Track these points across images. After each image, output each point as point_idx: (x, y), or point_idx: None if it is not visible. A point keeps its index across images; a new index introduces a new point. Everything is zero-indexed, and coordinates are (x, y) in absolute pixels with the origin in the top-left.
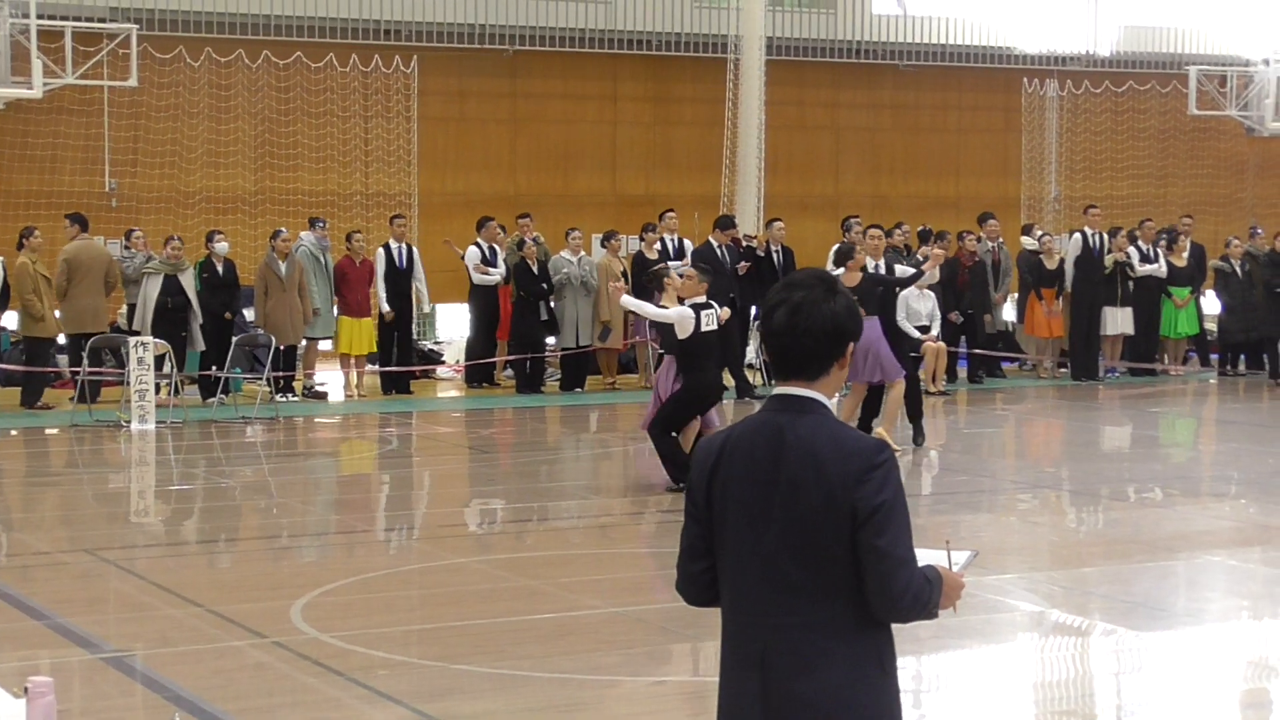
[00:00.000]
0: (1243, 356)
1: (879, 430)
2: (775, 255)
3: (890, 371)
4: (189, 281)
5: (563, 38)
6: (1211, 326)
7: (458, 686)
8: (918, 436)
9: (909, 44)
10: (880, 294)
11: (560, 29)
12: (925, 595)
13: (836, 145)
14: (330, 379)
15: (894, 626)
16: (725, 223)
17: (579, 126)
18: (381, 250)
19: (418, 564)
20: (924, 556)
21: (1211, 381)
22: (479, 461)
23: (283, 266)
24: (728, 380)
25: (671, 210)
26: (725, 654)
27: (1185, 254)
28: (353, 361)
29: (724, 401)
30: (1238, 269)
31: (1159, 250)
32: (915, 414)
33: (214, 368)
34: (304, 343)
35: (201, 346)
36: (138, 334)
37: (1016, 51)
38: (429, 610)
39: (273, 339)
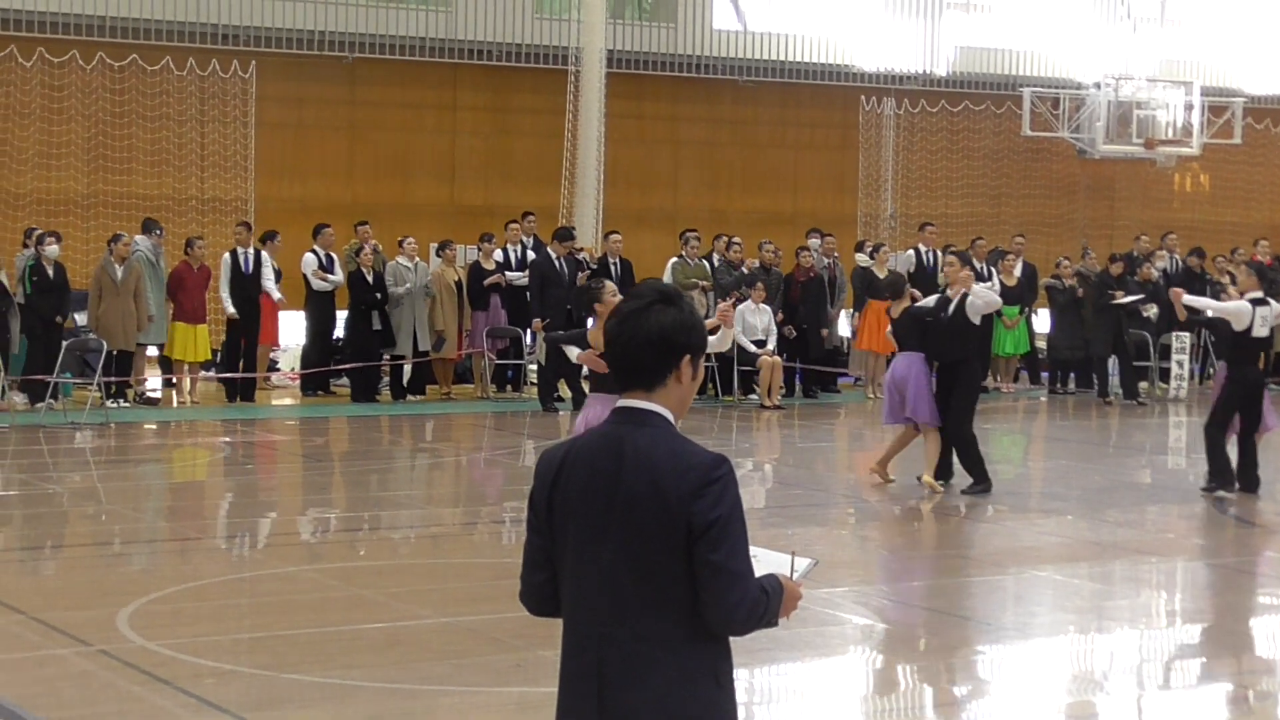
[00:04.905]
0: (1072, 375)
1: (926, 479)
2: (613, 267)
3: (920, 412)
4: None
5: (402, 46)
6: (1041, 345)
7: (286, 696)
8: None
9: (749, 60)
10: (920, 329)
11: (400, 37)
12: (761, 608)
13: (675, 159)
14: (163, 385)
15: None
16: (563, 234)
17: (417, 135)
18: (227, 255)
19: (248, 572)
20: (768, 559)
21: (1041, 399)
22: (312, 470)
23: (119, 270)
24: (565, 392)
25: (531, 214)
26: (563, 664)
27: (1016, 273)
28: (186, 368)
29: (562, 412)
30: (1068, 288)
31: (992, 269)
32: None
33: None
34: (137, 348)
35: (15, 349)
36: None
37: (855, 69)
38: (258, 619)
39: (104, 344)
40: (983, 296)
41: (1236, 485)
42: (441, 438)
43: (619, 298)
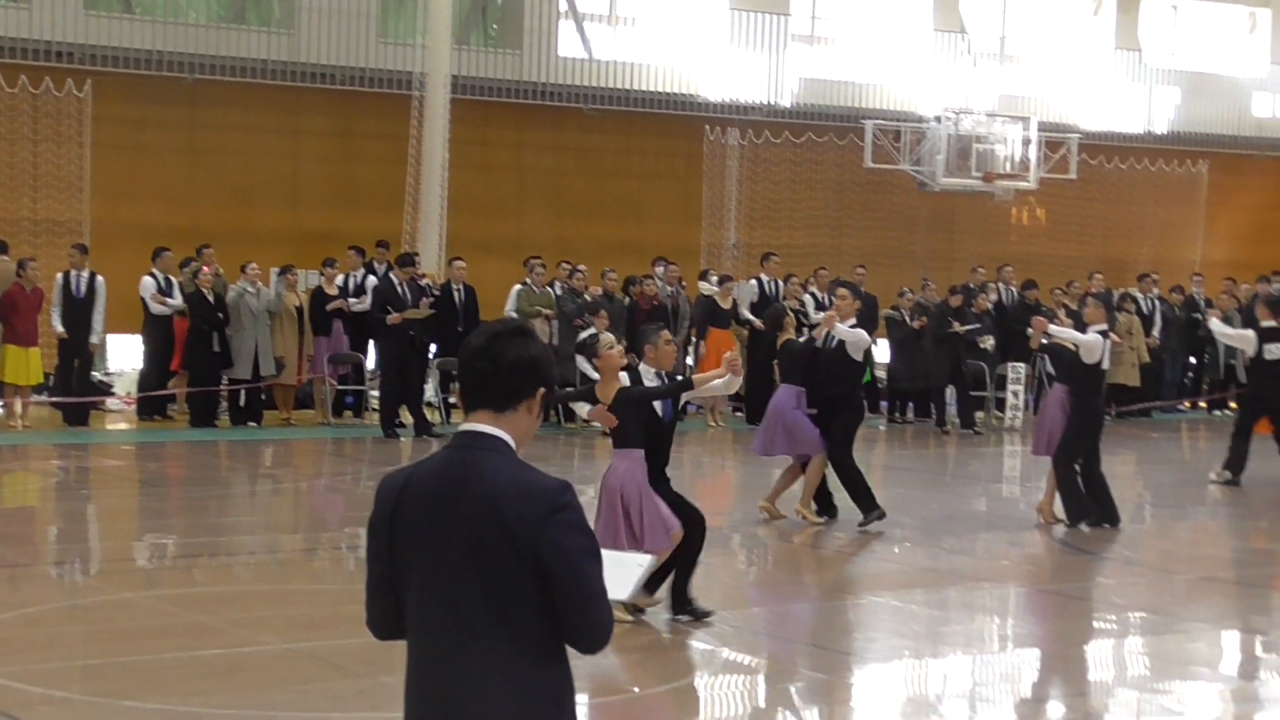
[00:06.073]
0: (911, 405)
1: (797, 507)
2: (457, 294)
3: (806, 445)
4: None
5: (244, 68)
6: (881, 375)
7: None
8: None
9: (594, 88)
10: (801, 362)
11: (242, 59)
12: (612, 621)
13: (520, 186)
14: None
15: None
16: (405, 260)
17: (260, 159)
18: (60, 277)
19: (82, 599)
20: (609, 559)
21: (881, 428)
22: (149, 496)
23: None
24: (406, 418)
25: (385, 242)
26: (408, 690)
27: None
28: (18, 392)
29: (404, 439)
30: (908, 319)
31: (833, 299)
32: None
33: None
34: None
35: None
36: None
37: (699, 99)
38: (94, 646)
39: None
40: (848, 336)
41: (1097, 519)
42: (281, 463)
43: (616, 350)
